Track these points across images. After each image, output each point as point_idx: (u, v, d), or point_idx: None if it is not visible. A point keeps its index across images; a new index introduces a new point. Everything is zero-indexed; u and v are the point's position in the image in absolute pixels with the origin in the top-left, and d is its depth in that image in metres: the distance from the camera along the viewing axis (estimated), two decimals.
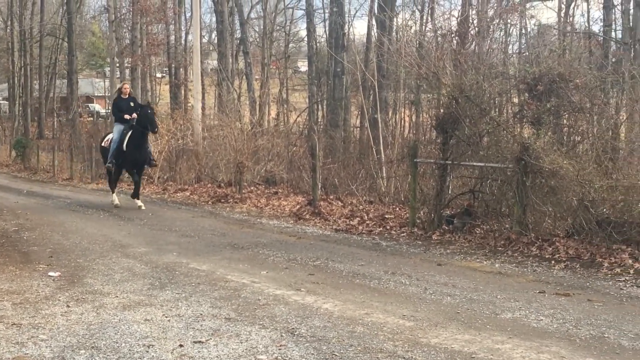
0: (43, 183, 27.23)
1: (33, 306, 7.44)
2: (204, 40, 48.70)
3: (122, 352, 5.94)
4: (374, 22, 32.25)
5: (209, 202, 17.86)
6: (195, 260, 10.04)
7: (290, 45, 51.26)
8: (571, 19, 32.12)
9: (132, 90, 18.36)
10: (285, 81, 46.29)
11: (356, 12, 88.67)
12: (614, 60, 23.81)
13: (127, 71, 39.40)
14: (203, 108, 29.06)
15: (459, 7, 26.57)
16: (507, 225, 11.41)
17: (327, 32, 35.39)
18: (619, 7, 26.79)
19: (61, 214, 15.92)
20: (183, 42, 45.98)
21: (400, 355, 5.83)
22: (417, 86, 25.56)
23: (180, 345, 6.08)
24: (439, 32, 22.87)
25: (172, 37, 44.42)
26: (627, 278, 8.73)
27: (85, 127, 38.44)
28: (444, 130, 12.47)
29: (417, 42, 23.30)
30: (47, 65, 52.41)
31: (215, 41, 45.35)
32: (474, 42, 21.63)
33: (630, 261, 9.24)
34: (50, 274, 9.10)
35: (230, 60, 38.83)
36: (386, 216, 13.72)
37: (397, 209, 14.51)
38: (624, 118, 13.81)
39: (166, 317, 7.00)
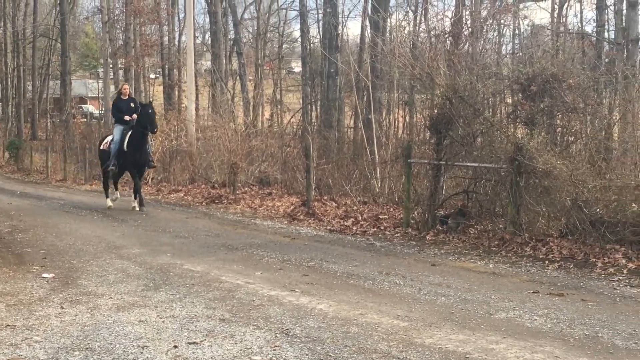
0: (36, 184, 27.19)
1: (27, 308, 7.42)
2: (198, 41, 48.62)
3: (116, 353, 5.93)
4: (367, 22, 32.25)
5: (203, 203, 17.85)
6: (190, 261, 10.02)
7: (284, 46, 51.23)
8: (564, 19, 32.18)
9: (131, 91, 18.16)
10: (279, 82, 46.29)
11: (350, 12, 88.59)
12: (607, 60, 23.86)
13: (121, 72, 39.34)
14: (197, 109, 29.13)
15: (453, 8, 26.65)
16: (501, 226, 11.44)
17: (321, 33, 35.38)
18: (612, 8, 26.82)
19: (55, 215, 15.89)
20: (177, 43, 45.97)
21: (394, 356, 5.83)
22: (410, 87, 25.62)
23: (175, 346, 6.08)
24: (432, 32, 22.88)
25: (166, 38, 44.37)
26: (620, 278, 8.75)
27: (79, 128, 38.39)
28: (438, 130, 12.48)
29: (411, 42, 23.31)
30: (40, 66, 52.36)
31: (209, 42, 45.33)
32: (467, 43, 21.66)
33: (623, 261, 9.26)
34: (44, 275, 9.08)
35: (224, 61, 38.78)
36: (380, 217, 13.73)
37: (391, 209, 14.52)
38: (617, 118, 13.85)
39: (160, 318, 6.99)
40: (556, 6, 32.15)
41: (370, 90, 23.70)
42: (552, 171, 10.40)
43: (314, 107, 39.16)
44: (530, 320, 6.90)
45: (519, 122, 13.28)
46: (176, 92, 43.56)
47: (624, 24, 23.00)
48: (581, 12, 39.88)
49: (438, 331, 6.52)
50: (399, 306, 7.45)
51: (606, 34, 27.52)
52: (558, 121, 13.66)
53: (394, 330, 6.54)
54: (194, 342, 6.18)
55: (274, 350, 5.97)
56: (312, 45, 40.95)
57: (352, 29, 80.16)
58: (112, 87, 40.97)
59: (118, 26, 41.35)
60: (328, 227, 13.49)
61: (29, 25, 49.18)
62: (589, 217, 10.11)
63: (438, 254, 10.70)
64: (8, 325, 6.71)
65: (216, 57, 36.92)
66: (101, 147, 17.42)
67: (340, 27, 33.13)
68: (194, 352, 5.93)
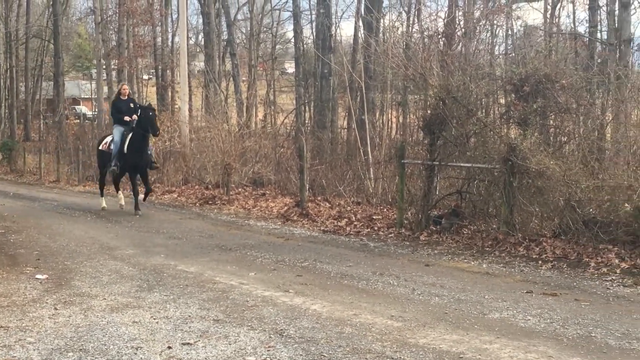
0: (30, 185, 27.12)
1: (20, 309, 7.41)
2: (191, 42, 48.56)
3: (110, 354, 5.92)
4: (360, 23, 32.27)
5: (197, 204, 17.84)
6: (183, 262, 10.02)
7: (277, 46, 51.21)
8: (557, 20, 32.26)
9: (131, 92, 17.93)
10: (273, 83, 46.29)
11: (343, 13, 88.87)
12: (599, 61, 23.90)
13: (114, 73, 39.28)
14: (190, 110, 29.11)
15: (446, 9, 26.69)
16: (494, 226, 11.46)
17: (314, 34, 35.40)
18: (605, 8, 26.87)
19: (48, 216, 15.86)
20: (170, 43, 45.87)
21: (388, 356, 5.84)
22: (404, 87, 25.65)
23: (169, 347, 6.07)
24: (425, 33, 22.93)
25: (159, 39, 44.30)
26: (613, 278, 8.78)
27: (72, 130, 38.27)
28: (431, 131, 12.49)
29: (404, 43, 23.36)
30: (33, 67, 52.25)
31: (202, 43, 45.25)
32: (460, 43, 21.71)
33: (616, 261, 9.29)
34: (38, 276, 9.07)
35: (218, 62, 38.79)
36: (374, 217, 13.74)
37: (385, 209, 14.53)
38: (610, 118, 13.90)
39: (154, 319, 6.99)
40: (549, 7, 32.25)
41: (364, 90, 23.71)
42: (545, 171, 10.43)
43: (307, 108, 39.13)
44: (524, 320, 6.92)
45: (512, 123, 13.31)
46: (169, 93, 43.48)
47: (616, 24, 23.04)
48: (574, 13, 39.92)
49: (432, 331, 6.53)
50: (393, 306, 7.46)
51: (599, 35, 27.59)
52: (551, 121, 13.70)
53: (388, 330, 6.55)
54: (188, 343, 6.18)
55: (268, 350, 5.97)
56: (305, 46, 40.94)
57: (346, 29, 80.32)
58: (105, 88, 40.91)
59: (111, 27, 41.29)
60: (322, 228, 13.50)
61: (21, 26, 49.07)
62: (582, 217, 10.14)
63: (432, 254, 10.71)
64: (1, 327, 6.70)
65: (209, 58, 36.89)
66: (100, 148, 17.08)
67: (333, 28, 33.11)
68: (187, 353, 5.93)
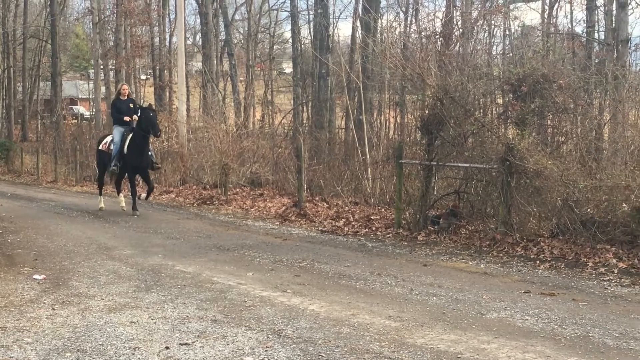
0: (27, 186, 27.12)
1: (18, 309, 7.40)
2: (189, 42, 48.62)
3: (108, 354, 5.92)
4: (358, 23, 32.30)
5: (194, 204, 17.84)
6: (181, 263, 10.01)
7: (275, 46, 51.28)
8: (554, 20, 32.29)
9: (131, 92, 17.78)
10: (270, 83, 46.33)
11: (340, 13, 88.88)
12: (597, 61, 23.94)
13: (112, 73, 39.30)
14: (188, 110, 29.08)
15: (443, 9, 26.68)
16: (492, 226, 11.46)
17: (312, 34, 35.46)
18: (602, 9, 26.93)
19: (45, 216, 15.85)
20: (167, 44, 45.91)
21: (386, 356, 5.84)
22: (401, 87, 25.64)
23: (167, 348, 6.07)
24: (423, 33, 22.95)
25: (157, 39, 44.35)
26: (611, 277, 8.78)
27: (70, 130, 38.28)
28: (429, 131, 12.49)
29: (402, 43, 23.36)
30: (31, 67, 52.23)
31: (200, 43, 45.32)
32: (458, 43, 21.71)
33: (614, 261, 9.29)
34: (35, 276, 9.06)
35: (215, 62, 38.82)
36: (372, 217, 13.74)
37: (383, 210, 14.53)
38: (607, 118, 13.92)
39: (152, 319, 6.98)
40: (546, 7, 32.26)
41: (362, 91, 23.71)
42: (543, 171, 10.43)
43: (305, 108, 39.20)
44: (522, 320, 6.92)
45: (509, 123, 13.33)
46: (167, 93, 43.52)
47: (613, 24, 23.09)
48: (571, 13, 40.08)
49: (430, 331, 6.53)
50: (391, 306, 7.45)
51: (596, 35, 27.61)
52: (549, 121, 13.73)
53: (386, 330, 6.55)
54: (186, 343, 6.18)
55: (265, 351, 5.97)
56: (303, 46, 41.02)
57: (343, 29, 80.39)
58: (103, 89, 40.95)
59: (109, 27, 41.31)
60: (319, 228, 13.50)
61: (19, 27, 49.06)
62: (580, 217, 10.14)
63: (429, 255, 10.71)
64: None
65: (207, 58, 36.94)
66: (99, 148, 16.89)
67: (331, 28, 33.19)
68: (185, 353, 5.92)
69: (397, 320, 6.88)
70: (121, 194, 16.67)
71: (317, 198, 16.33)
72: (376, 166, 17.68)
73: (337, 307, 7.43)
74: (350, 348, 6.03)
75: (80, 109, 61.82)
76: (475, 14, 24.18)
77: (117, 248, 11.37)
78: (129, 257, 10.49)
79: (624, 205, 9.68)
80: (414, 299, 7.82)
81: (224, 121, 23.42)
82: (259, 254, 10.71)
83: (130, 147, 15.56)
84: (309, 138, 25.46)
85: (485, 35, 28.37)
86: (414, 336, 6.37)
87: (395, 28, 27.97)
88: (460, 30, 22.66)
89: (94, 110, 42.66)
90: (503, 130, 13.09)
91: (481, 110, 14.64)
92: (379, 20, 29.46)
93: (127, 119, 15.62)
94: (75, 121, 50.39)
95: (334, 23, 34.71)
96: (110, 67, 40.87)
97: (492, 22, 27.63)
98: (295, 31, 37.37)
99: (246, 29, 46.34)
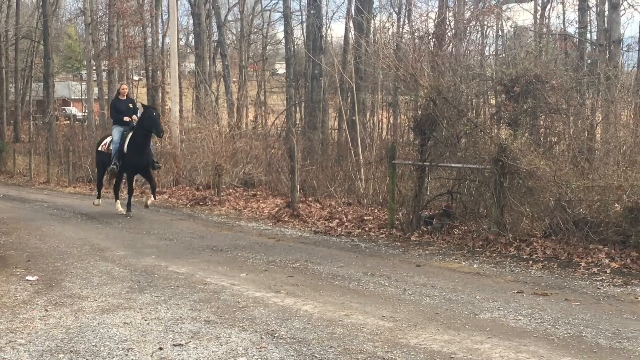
0: (19, 187, 27.06)
1: (11, 311, 7.38)
2: (182, 43, 48.56)
3: (101, 355, 5.91)
4: (351, 24, 32.30)
5: (187, 205, 17.82)
6: (174, 263, 10.01)
7: (268, 47, 51.28)
8: (547, 20, 32.36)
9: (130, 91, 17.58)
10: (263, 83, 46.34)
11: (333, 14, 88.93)
12: (589, 61, 23.99)
13: (104, 74, 39.22)
14: (181, 111, 29.08)
15: (436, 9, 26.71)
16: (485, 226, 11.48)
17: (305, 35, 35.43)
18: (594, 9, 26.99)
19: (38, 217, 15.82)
20: (160, 44, 45.83)
21: (380, 356, 5.85)
22: (394, 88, 25.70)
23: (160, 349, 6.06)
24: (416, 34, 22.95)
25: (149, 40, 44.24)
26: (603, 277, 8.80)
27: (62, 131, 38.22)
28: (422, 131, 12.50)
29: (395, 44, 23.37)
30: (23, 68, 52.10)
31: (193, 44, 45.29)
32: (451, 44, 21.73)
33: (606, 261, 9.32)
34: (28, 278, 9.04)
35: (208, 62, 38.79)
36: (365, 218, 13.75)
37: (376, 210, 14.54)
38: (600, 119, 13.95)
39: (145, 320, 6.97)
40: (539, 7, 32.32)
41: (355, 91, 23.73)
42: (536, 172, 10.45)
43: (298, 109, 39.22)
44: (515, 320, 6.93)
45: (502, 123, 13.36)
46: (160, 94, 43.44)
47: (606, 25, 23.17)
48: (564, 14, 40.07)
49: (423, 331, 6.54)
50: (384, 307, 7.46)
51: (588, 35, 27.70)
52: (541, 122, 13.76)
53: (379, 330, 6.56)
54: (179, 344, 6.17)
55: (259, 351, 5.97)
56: (296, 46, 41.02)
57: (336, 30, 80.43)
58: (96, 89, 40.87)
59: (101, 28, 41.26)
60: (313, 229, 13.50)
61: (11, 27, 48.92)
62: (573, 217, 10.17)
63: (423, 255, 10.72)
64: None
65: (200, 59, 36.90)
66: (99, 149, 16.70)
67: (324, 29, 33.24)
68: (179, 354, 5.92)
69: (391, 321, 6.89)
70: (118, 202, 16.41)
71: (310, 199, 16.33)
72: (369, 167, 17.69)
73: (330, 307, 7.44)
74: (343, 348, 6.03)
75: (73, 110, 61.65)
76: (467, 14, 24.21)
77: (110, 249, 11.35)
78: (122, 258, 10.48)
79: (616, 205, 9.70)
80: (407, 299, 7.83)
81: (216, 122, 23.38)
82: (252, 255, 10.71)
83: (130, 146, 15.38)
84: (302, 139, 25.47)
85: (478, 36, 28.44)
86: (408, 336, 6.38)
87: (388, 29, 27.98)
88: (453, 30, 22.69)
89: (87, 111, 42.60)
90: (496, 130, 13.12)
91: (474, 111, 14.67)
92: (372, 21, 29.51)
93: (126, 119, 15.49)
94: (68, 122, 50.32)
95: (326, 24, 34.74)
96: (102, 68, 40.77)
97: (485, 22, 27.67)
98: (288, 32, 37.36)
99: (239, 29, 46.31)
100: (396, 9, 36.47)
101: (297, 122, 36.97)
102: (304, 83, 36.76)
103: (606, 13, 23.48)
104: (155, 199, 16.12)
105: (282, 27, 41.76)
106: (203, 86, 34.18)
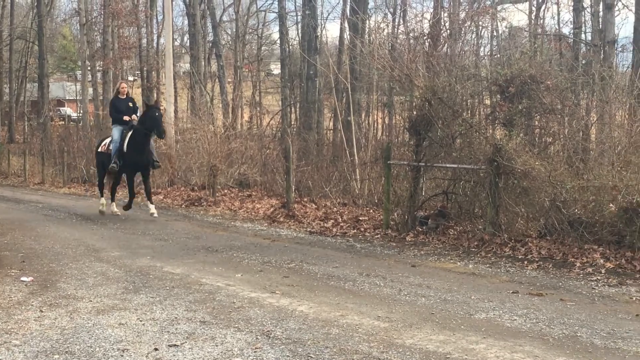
0: (14, 187, 27.00)
1: (5, 311, 7.37)
2: (176, 43, 48.49)
3: (96, 356, 5.90)
4: (346, 24, 32.37)
5: (183, 206, 17.81)
6: (170, 264, 9.99)
7: (263, 48, 51.27)
8: (542, 21, 32.38)
9: (129, 90, 17.41)
10: (258, 84, 46.31)
11: (328, 14, 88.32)
12: (584, 62, 24.01)
13: (99, 74, 39.17)
14: (176, 111, 29.03)
15: (431, 10, 26.76)
16: (480, 226, 11.49)
17: (300, 35, 35.48)
18: (589, 10, 27.04)
19: (33, 218, 15.79)
20: (155, 45, 45.76)
21: (375, 357, 5.85)
22: (389, 88, 25.69)
23: (155, 349, 6.06)
24: (411, 34, 22.98)
25: (144, 40, 44.20)
26: (598, 277, 8.82)
27: (57, 131, 38.18)
28: (417, 132, 12.51)
29: (390, 44, 23.41)
30: (18, 68, 52.02)
31: (188, 44, 45.23)
32: (446, 44, 21.76)
33: (601, 261, 9.34)
34: (23, 279, 9.02)
35: (203, 63, 38.78)
36: (360, 218, 13.75)
37: (371, 211, 14.54)
38: (595, 119, 13.95)
39: (141, 321, 6.96)
40: (534, 8, 32.36)
41: (350, 92, 23.76)
42: (531, 172, 10.47)
43: (293, 109, 39.22)
44: (510, 320, 6.94)
45: (497, 124, 13.37)
46: (155, 95, 43.36)
47: (600, 25, 23.21)
48: (558, 14, 40.01)
49: (418, 332, 6.54)
50: (380, 307, 7.46)
51: (583, 36, 27.75)
52: (536, 122, 13.77)
53: (375, 331, 6.56)
54: (175, 345, 6.17)
55: (254, 352, 5.97)
56: (291, 47, 41.01)
57: (331, 31, 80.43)
58: (90, 90, 40.80)
59: (96, 28, 41.21)
60: (308, 229, 13.50)
61: (5, 28, 48.85)
62: (568, 217, 10.18)
63: (418, 255, 10.73)
64: None
65: (195, 60, 36.89)
66: (99, 150, 16.55)
67: (319, 29, 33.18)
68: (174, 355, 5.91)
69: (386, 321, 6.89)
70: (114, 204, 16.36)
71: (305, 199, 16.34)
72: (364, 167, 17.70)
73: (326, 308, 7.44)
74: (339, 349, 6.03)
75: (68, 110, 61.50)
76: (462, 15, 24.26)
77: (105, 250, 11.33)
78: (117, 259, 10.47)
79: (611, 205, 9.72)
80: (403, 300, 7.83)
81: (212, 122, 23.37)
82: (247, 255, 10.70)
83: (130, 145, 15.25)
84: (297, 139, 25.47)
85: (473, 37, 28.49)
86: (403, 337, 6.38)
87: (383, 29, 28.00)
88: (448, 31, 22.73)
89: (82, 111, 42.51)
90: (491, 131, 13.13)
91: (469, 111, 14.68)
92: (367, 22, 29.49)
93: (126, 118, 15.36)
94: (63, 123, 50.24)
95: (322, 24, 34.65)
96: (97, 68, 40.75)
97: (480, 23, 27.72)
98: (283, 32, 37.33)
99: (234, 30, 46.30)
100: (391, 10, 36.53)
101: (292, 123, 36.97)
102: (299, 83, 36.76)
103: (601, 14, 23.54)
104: (152, 203, 15.93)
105: (277, 28, 41.73)
106: (198, 87, 34.17)
